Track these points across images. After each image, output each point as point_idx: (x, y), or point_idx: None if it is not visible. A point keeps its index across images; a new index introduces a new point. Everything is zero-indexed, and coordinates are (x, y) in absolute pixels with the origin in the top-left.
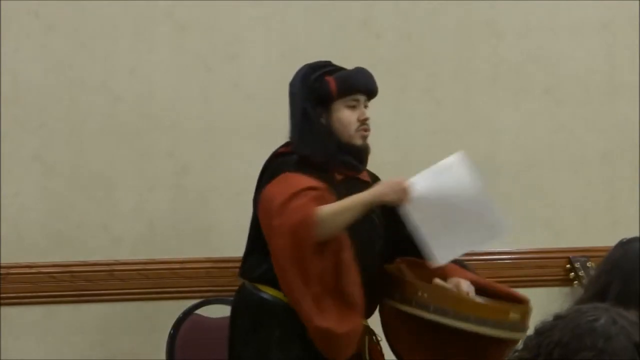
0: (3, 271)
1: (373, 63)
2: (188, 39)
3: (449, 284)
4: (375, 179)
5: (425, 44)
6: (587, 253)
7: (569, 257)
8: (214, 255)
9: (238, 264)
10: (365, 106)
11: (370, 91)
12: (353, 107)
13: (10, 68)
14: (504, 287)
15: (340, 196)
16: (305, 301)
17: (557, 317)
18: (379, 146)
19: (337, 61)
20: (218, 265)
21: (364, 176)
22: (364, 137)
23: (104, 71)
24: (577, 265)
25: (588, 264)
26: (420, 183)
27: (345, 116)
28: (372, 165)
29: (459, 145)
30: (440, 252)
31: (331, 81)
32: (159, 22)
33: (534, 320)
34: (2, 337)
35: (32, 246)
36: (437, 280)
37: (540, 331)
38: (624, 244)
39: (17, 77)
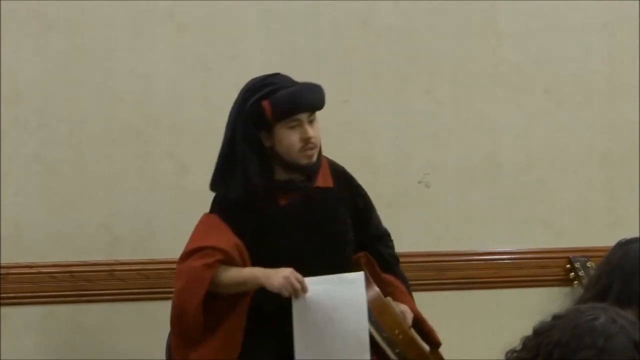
0: (3, 271)
1: (373, 63)
2: (188, 39)
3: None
4: (340, 175)
5: (425, 44)
6: (587, 253)
7: (569, 257)
8: None
9: None
10: (311, 120)
11: (310, 108)
12: (294, 127)
13: (10, 68)
14: (429, 325)
15: (292, 217)
16: (175, 340)
17: (556, 317)
18: (379, 146)
19: (337, 61)
20: None
21: (324, 182)
22: (309, 156)
23: (104, 71)
24: (577, 265)
25: (588, 264)
26: (315, 286)
27: (285, 138)
28: (372, 165)
29: (459, 145)
30: (303, 352)
31: (267, 106)
32: (159, 22)
33: (534, 321)
34: (2, 337)
35: (32, 246)
36: (389, 300)
37: (539, 331)
38: (623, 245)
39: (17, 77)
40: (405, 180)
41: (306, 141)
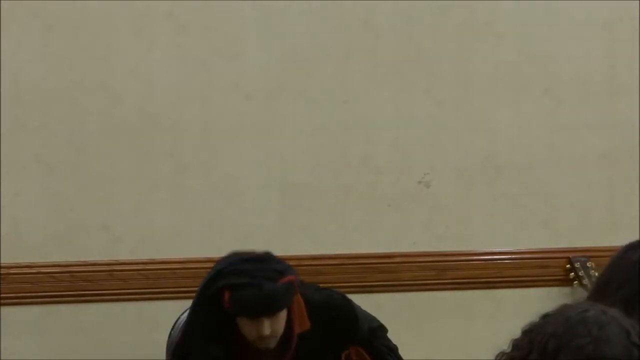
0: (3, 271)
1: (373, 63)
2: (188, 39)
3: None
4: (316, 310)
5: (425, 44)
6: (587, 253)
7: (569, 257)
8: (214, 255)
9: None
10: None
11: (267, 315)
12: (253, 321)
13: (10, 68)
14: None
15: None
16: None
17: (545, 316)
18: (379, 146)
19: (337, 61)
20: None
21: (301, 326)
22: (266, 345)
23: (104, 71)
24: (577, 265)
25: (588, 264)
26: None
27: (244, 327)
28: (372, 165)
29: (459, 145)
30: None
31: (227, 298)
32: (159, 22)
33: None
34: (2, 337)
35: (32, 246)
36: None
37: (529, 330)
38: (636, 248)
39: (17, 77)
40: (405, 180)
41: (261, 337)
